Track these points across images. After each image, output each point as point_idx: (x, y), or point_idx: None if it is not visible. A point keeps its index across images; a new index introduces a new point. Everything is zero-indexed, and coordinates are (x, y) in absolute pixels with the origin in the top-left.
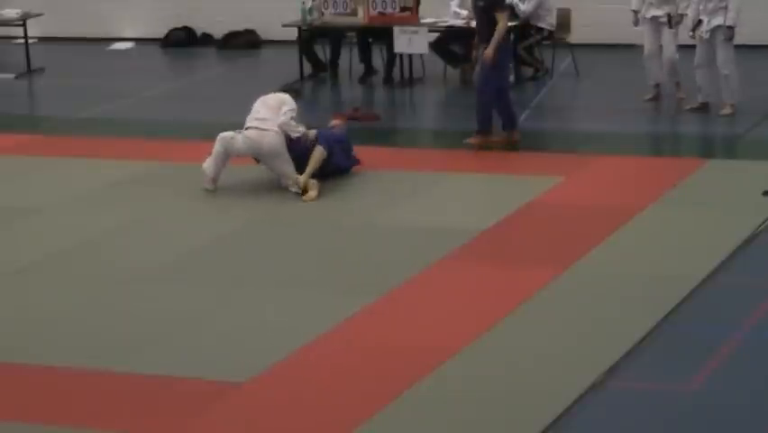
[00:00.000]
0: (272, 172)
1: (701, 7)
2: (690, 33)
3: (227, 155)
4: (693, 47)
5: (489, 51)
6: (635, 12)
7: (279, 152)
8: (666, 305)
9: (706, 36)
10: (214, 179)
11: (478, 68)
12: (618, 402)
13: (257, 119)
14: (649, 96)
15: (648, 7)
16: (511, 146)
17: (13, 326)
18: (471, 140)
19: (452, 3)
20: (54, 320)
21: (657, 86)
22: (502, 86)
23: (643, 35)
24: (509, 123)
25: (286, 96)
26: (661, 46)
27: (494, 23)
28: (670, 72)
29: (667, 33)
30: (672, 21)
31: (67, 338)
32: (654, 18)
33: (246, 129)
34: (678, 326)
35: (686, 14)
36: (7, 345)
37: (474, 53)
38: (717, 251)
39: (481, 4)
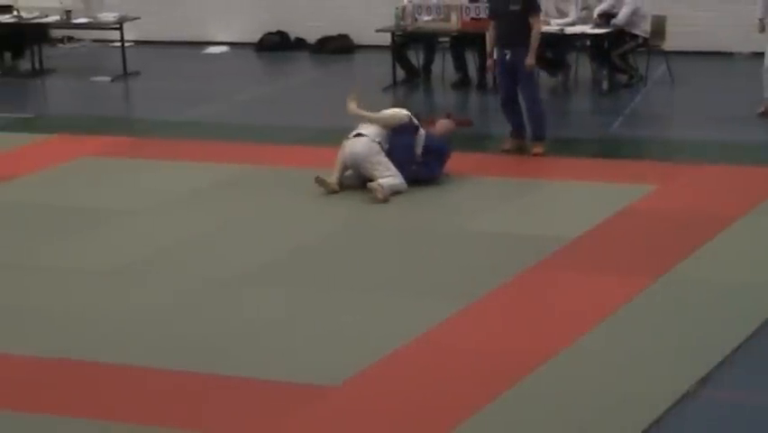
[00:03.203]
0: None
1: None
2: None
3: (343, 163)
4: None
5: (532, 60)
6: (761, 20)
7: (366, 158)
8: (762, 314)
9: None
10: (332, 183)
11: (500, 77)
12: (711, 412)
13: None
14: (762, 109)
15: None
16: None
17: (106, 326)
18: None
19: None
20: (148, 321)
21: None
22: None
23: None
24: (541, 132)
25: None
26: None
27: (528, 28)
28: None
29: None
30: None
31: (160, 339)
32: None
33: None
34: None
35: None
36: (101, 344)
37: (490, 61)
38: None
39: (516, 8)
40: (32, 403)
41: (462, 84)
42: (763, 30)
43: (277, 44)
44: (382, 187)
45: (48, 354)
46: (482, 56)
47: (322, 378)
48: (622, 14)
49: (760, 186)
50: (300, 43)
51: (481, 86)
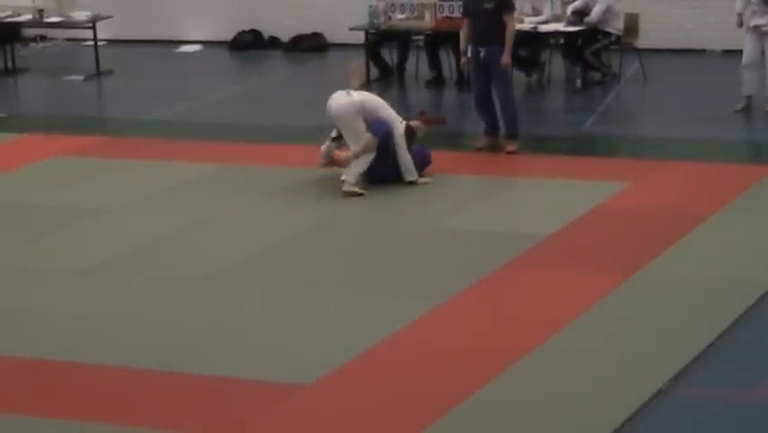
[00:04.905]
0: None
1: None
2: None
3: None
4: None
5: (507, 59)
6: (739, 14)
7: (347, 120)
8: (734, 311)
9: None
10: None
11: (474, 75)
12: (685, 409)
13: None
14: (739, 106)
15: (752, 15)
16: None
17: (80, 326)
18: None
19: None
20: (121, 321)
21: (749, 97)
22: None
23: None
24: (514, 130)
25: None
26: (762, 55)
27: (502, 26)
28: None
29: None
30: None
31: (134, 339)
32: (757, 27)
33: None
34: (746, 333)
35: None
36: (75, 345)
37: (464, 60)
38: None
39: (490, 6)
40: (5, 404)
41: (436, 82)
42: (741, 25)
43: (250, 43)
44: (348, 187)
45: (21, 355)
46: (457, 54)
47: (295, 376)
48: (595, 12)
49: (732, 183)
50: (273, 42)
51: (459, 84)
